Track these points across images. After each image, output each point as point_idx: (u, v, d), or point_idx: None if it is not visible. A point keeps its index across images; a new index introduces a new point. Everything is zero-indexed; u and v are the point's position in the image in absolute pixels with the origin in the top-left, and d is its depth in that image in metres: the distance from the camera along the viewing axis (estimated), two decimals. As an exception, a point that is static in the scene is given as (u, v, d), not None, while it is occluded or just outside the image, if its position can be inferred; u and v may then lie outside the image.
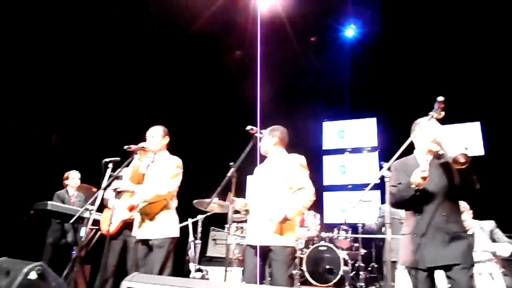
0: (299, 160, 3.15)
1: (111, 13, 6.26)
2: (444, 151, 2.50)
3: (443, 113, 2.58)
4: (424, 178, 2.48)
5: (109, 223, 3.50)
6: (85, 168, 5.62)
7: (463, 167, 2.43)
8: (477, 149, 6.80)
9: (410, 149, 2.79)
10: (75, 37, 6.23)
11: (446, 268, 2.51)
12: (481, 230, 4.15)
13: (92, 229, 4.65)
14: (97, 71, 6.60)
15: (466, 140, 6.77)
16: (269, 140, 3.27)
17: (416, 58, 6.87)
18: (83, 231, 3.86)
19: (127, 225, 3.80)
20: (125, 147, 3.48)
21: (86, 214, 3.91)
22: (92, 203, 3.66)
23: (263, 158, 3.36)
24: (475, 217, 4.49)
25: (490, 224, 4.19)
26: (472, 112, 6.81)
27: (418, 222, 2.61)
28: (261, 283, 3.05)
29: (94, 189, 5.86)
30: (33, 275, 2.48)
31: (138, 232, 3.36)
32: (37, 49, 5.85)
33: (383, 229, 5.11)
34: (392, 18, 6.74)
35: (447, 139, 2.50)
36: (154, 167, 3.49)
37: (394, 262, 3.72)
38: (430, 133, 2.65)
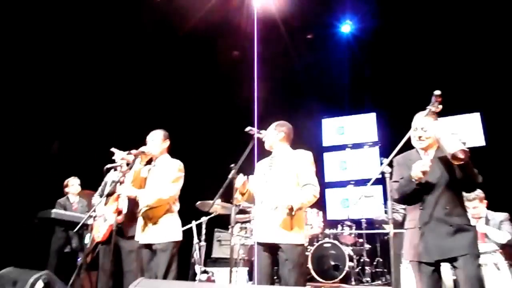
0: (308, 156, 3.11)
1: (109, 18, 6.28)
2: (443, 147, 2.48)
3: (440, 107, 2.56)
4: (424, 173, 2.47)
5: (99, 230, 3.52)
6: (87, 174, 5.62)
7: (463, 162, 2.42)
8: (478, 140, 6.79)
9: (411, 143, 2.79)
10: (75, 44, 6.24)
11: (452, 259, 2.48)
12: (492, 220, 4.06)
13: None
14: (96, 77, 6.61)
15: (465, 132, 6.76)
16: (275, 135, 3.21)
17: (414, 51, 6.87)
18: (87, 238, 3.87)
19: (117, 229, 3.77)
20: (126, 152, 3.49)
21: (90, 221, 3.93)
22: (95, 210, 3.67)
23: (262, 158, 3.34)
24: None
25: (501, 215, 4.07)
26: (472, 103, 6.81)
27: (421, 216, 2.59)
28: (271, 283, 2.98)
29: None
30: (39, 285, 2.49)
31: (141, 237, 3.36)
32: (38, 56, 5.86)
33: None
34: (388, 12, 6.74)
35: (445, 135, 2.48)
36: (155, 171, 3.48)
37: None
38: (430, 131, 2.62)
